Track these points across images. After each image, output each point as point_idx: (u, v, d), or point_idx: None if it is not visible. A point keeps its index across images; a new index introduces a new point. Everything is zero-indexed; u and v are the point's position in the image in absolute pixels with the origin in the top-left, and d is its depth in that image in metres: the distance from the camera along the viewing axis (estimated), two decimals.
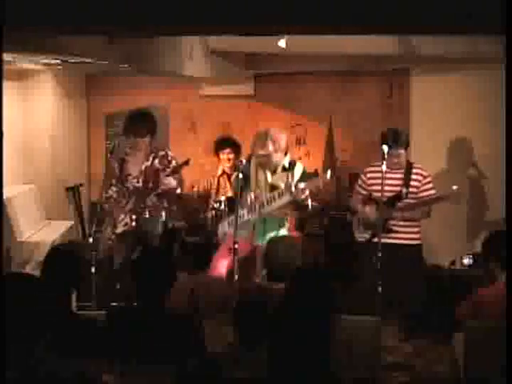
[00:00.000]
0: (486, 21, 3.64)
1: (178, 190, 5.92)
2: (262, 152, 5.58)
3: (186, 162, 5.88)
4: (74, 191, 7.67)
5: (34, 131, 7.43)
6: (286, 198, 5.46)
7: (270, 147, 5.57)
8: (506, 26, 3.44)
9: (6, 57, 5.56)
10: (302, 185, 5.34)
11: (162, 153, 5.94)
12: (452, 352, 4.31)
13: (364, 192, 5.87)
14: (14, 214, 6.15)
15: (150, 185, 5.89)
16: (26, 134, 7.37)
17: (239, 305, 3.69)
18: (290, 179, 5.46)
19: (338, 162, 7.90)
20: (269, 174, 5.64)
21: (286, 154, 5.70)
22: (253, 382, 3.32)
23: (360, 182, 5.94)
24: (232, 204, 5.71)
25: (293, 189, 5.36)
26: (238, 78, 7.88)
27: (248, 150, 7.44)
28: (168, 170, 5.84)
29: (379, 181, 5.41)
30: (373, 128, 7.68)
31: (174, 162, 5.90)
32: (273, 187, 5.60)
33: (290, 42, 6.00)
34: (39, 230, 6.56)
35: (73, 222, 7.28)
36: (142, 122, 5.87)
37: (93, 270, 5.36)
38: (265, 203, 5.55)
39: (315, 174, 5.78)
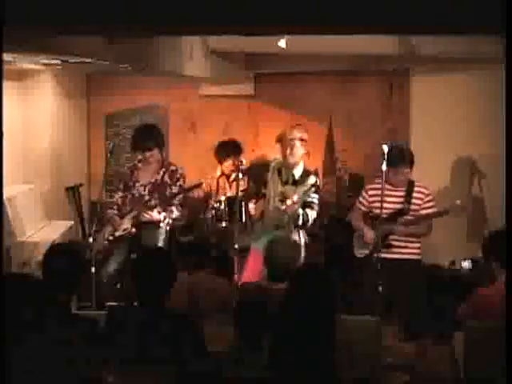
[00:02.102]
0: (486, 21, 3.64)
1: (166, 221, 5.92)
2: (290, 158, 5.66)
3: (198, 185, 5.98)
4: (74, 191, 7.70)
5: (34, 131, 7.43)
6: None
7: (300, 151, 5.68)
8: (506, 25, 3.44)
9: (6, 57, 5.55)
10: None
11: (172, 168, 5.99)
12: (452, 352, 4.31)
13: (363, 208, 5.84)
14: (14, 213, 6.15)
15: (155, 196, 5.91)
16: (26, 134, 7.38)
17: (239, 305, 3.69)
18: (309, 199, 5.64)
19: (338, 161, 7.91)
20: (279, 183, 5.73)
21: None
22: (253, 382, 3.32)
23: (361, 198, 5.88)
24: (232, 204, 5.72)
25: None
26: (238, 78, 7.89)
27: (248, 150, 7.45)
28: (174, 187, 5.89)
29: (379, 198, 5.42)
30: (373, 128, 7.69)
31: (181, 180, 5.94)
32: (283, 196, 5.67)
33: (289, 42, 6.01)
34: (39, 230, 6.56)
35: (73, 222, 7.29)
36: (148, 137, 5.93)
37: (93, 269, 5.36)
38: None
39: None
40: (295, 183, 5.68)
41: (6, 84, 5.46)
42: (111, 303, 4.16)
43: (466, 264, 6.56)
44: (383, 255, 5.38)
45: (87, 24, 3.86)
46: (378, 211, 5.48)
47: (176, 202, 5.92)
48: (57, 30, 4.09)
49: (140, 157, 6.00)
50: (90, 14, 3.77)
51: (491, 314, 4.05)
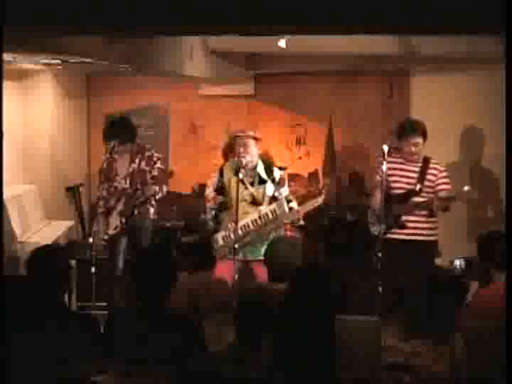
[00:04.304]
0: (486, 21, 3.64)
1: (160, 195, 5.93)
2: (235, 158, 5.53)
3: (170, 174, 5.97)
4: (74, 191, 7.70)
5: (34, 131, 7.43)
6: (279, 221, 5.47)
7: (255, 149, 5.52)
8: (506, 25, 3.44)
9: (6, 57, 5.56)
10: (296, 207, 5.47)
11: (148, 153, 5.99)
12: (452, 352, 4.31)
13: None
14: (14, 214, 6.15)
15: (138, 186, 5.91)
16: (26, 133, 7.37)
17: (239, 305, 3.69)
18: (279, 195, 5.49)
19: (338, 161, 7.91)
20: (245, 185, 5.51)
21: (265, 160, 5.66)
22: (253, 382, 3.32)
23: (380, 172, 5.87)
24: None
25: (286, 209, 5.42)
26: (238, 78, 7.89)
27: None
28: (153, 170, 5.90)
29: (397, 172, 5.49)
30: (373, 128, 7.69)
31: (158, 163, 5.95)
32: (253, 198, 5.54)
33: (289, 42, 6.01)
34: (39, 230, 6.56)
35: (73, 222, 7.29)
36: (117, 132, 5.93)
37: (93, 269, 5.38)
38: (251, 226, 5.47)
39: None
40: (264, 182, 5.54)
41: (6, 84, 5.47)
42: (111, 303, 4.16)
43: (458, 263, 6.54)
44: (396, 236, 5.38)
45: (87, 24, 3.86)
46: (394, 185, 5.50)
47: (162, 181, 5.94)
48: (57, 29, 4.09)
49: (114, 148, 6.00)
50: (90, 14, 3.77)
51: (491, 314, 4.05)
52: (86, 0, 3.80)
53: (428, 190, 5.61)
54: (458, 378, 3.94)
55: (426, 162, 5.66)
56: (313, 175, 7.90)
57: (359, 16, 3.70)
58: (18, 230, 6.16)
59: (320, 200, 5.54)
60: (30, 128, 7.42)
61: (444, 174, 5.66)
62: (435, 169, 5.65)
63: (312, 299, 3.42)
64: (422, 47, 6.37)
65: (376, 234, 5.72)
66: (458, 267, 6.53)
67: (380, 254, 5.28)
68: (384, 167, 5.36)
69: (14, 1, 3.69)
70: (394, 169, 5.55)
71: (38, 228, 6.60)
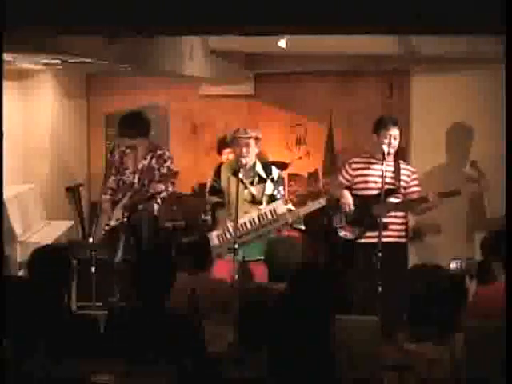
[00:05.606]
0: (486, 21, 3.65)
1: (165, 193, 5.95)
2: (232, 157, 5.56)
3: (175, 174, 5.97)
4: (73, 191, 7.70)
5: (34, 131, 7.44)
6: (278, 222, 5.48)
7: (254, 150, 5.56)
8: (506, 25, 3.44)
9: (6, 57, 5.56)
10: (300, 212, 5.53)
11: (159, 152, 6.03)
12: (452, 352, 4.31)
13: (345, 183, 5.79)
14: (14, 214, 6.15)
15: (145, 182, 5.94)
16: (26, 133, 7.38)
17: (239, 305, 3.69)
18: (277, 194, 5.53)
19: (338, 161, 7.90)
20: (245, 184, 5.54)
21: (263, 158, 5.80)
22: (253, 382, 3.32)
23: (344, 172, 5.83)
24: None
25: (285, 210, 5.44)
26: (238, 78, 7.89)
27: None
28: (162, 168, 5.92)
29: (365, 171, 5.43)
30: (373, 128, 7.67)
31: (168, 162, 5.97)
32: (253, 197, 5.57)
33: (289, 42, 6.01)
34: (39, 230, 6.56)
35: (73, 222, 7.29)
36: (133, 125, 5.96)
37: (93, 269, 5.37)
38: (249, 226, 5.49)
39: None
40: (263, 181, 5.60)
41: (5, 84, 5.46)
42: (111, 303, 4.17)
43: (455, 264, 6.54)
44: (368, 240, 5.37)
45: (87, 24, 3.87)
46: (362, 186, 5.48)
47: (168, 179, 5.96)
48: (57, 30, 4.10)
49: (128, 143, 6.04)
50: (90, 14, 3.77)
51: (491, 314, 4.05)
52: (86, 0, 3.80)
53: (401, 191, 5.62)
54: (458, 378, 3.93)
55: (397, 162, 5.67)
56: (313, 175, 7.89)
57: (359, 16, 3.71)
58: (18, 230, 6.16)
59: (322, 201, 5.55)
60: (30, 128, 7.42)
61: (416, 175, 5.70)
62: (408, 170, 5.68)
63: (312, 299, 3.43)
64: (422, 47, 6.37)
65: (351, 237, 5.69)
66: (456, 268, 6.53)
67: (380, 254, 5.28)
68: (384, 167, 5.36)
69: (13, 1, 3.70)
70: (363, 169, 5.51)
71: (38, 228, 6.60)
